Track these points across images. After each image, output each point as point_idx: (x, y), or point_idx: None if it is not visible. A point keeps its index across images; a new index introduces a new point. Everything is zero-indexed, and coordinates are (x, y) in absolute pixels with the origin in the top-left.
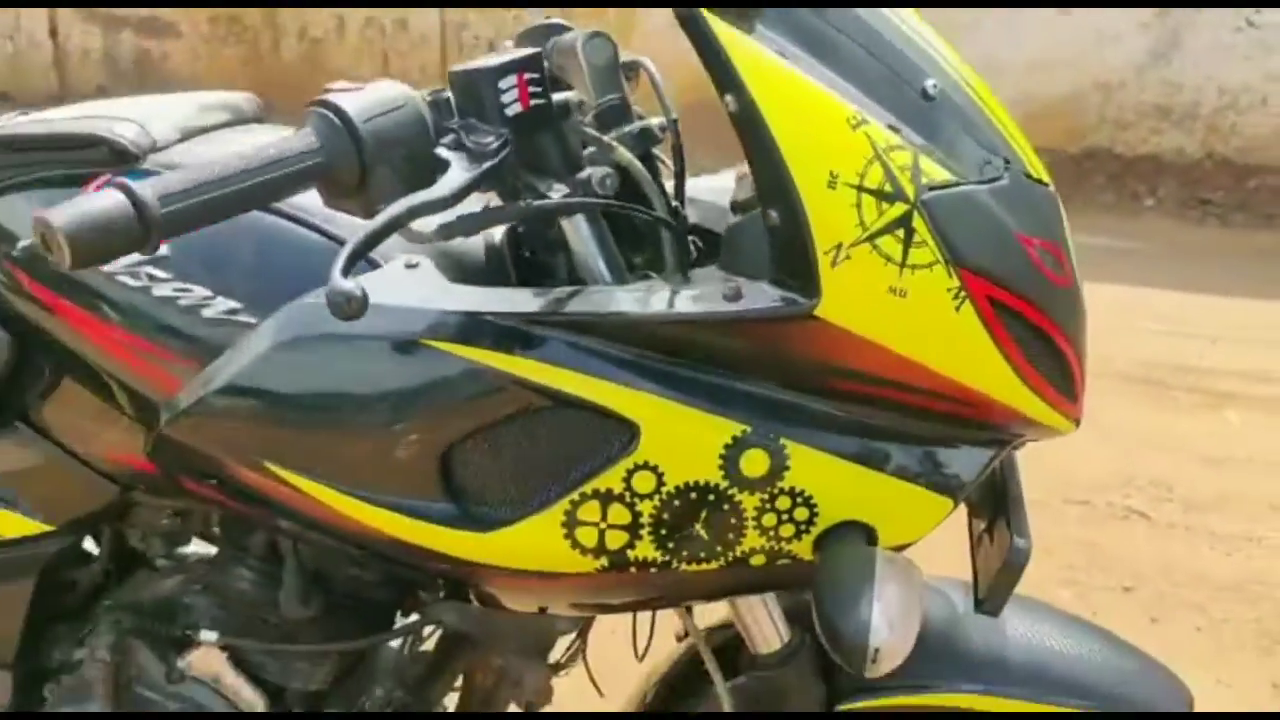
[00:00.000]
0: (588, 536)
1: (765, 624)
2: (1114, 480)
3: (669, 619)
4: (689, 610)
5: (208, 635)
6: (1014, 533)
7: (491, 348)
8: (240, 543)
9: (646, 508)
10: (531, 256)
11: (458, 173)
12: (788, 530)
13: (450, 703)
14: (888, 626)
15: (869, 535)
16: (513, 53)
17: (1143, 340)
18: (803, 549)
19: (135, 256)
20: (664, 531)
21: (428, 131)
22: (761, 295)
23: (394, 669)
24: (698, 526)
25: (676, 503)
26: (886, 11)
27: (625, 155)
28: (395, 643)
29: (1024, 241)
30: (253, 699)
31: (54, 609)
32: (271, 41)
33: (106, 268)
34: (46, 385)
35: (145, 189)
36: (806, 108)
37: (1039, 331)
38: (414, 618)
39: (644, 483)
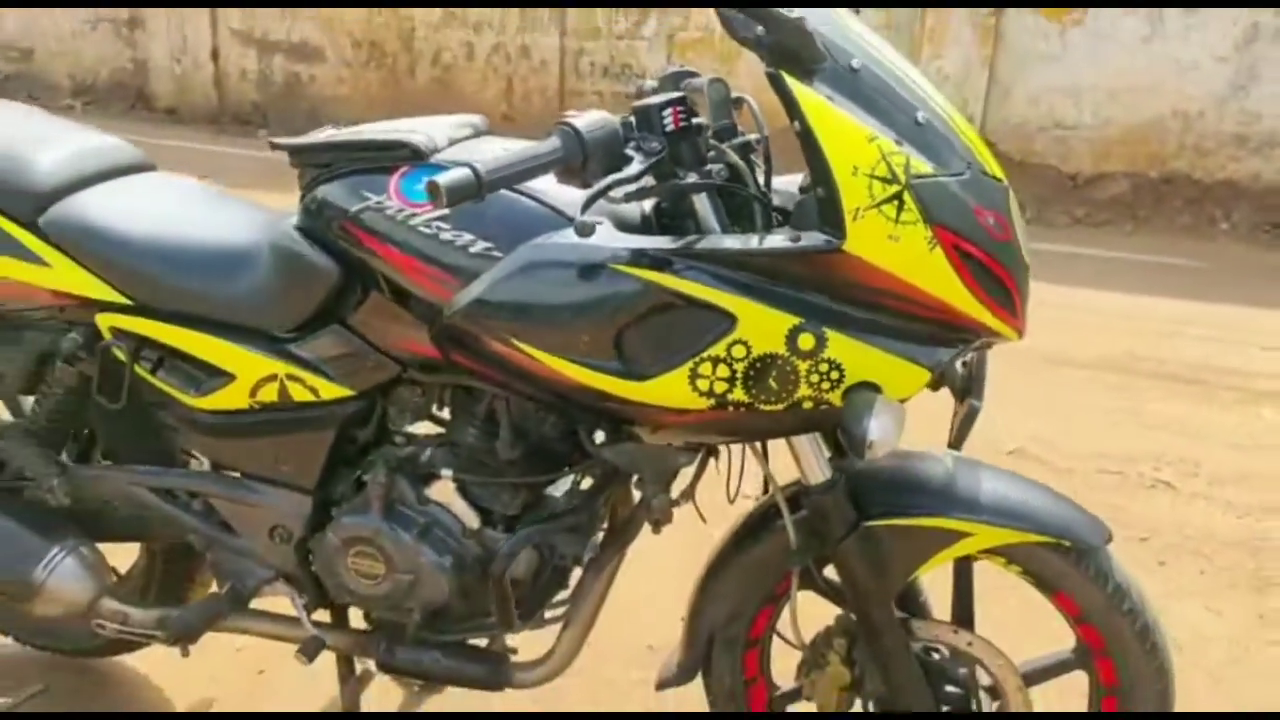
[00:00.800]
0: (703, 385)
1: (815, 461)
2: (1147, 457)
3: (752, 483)
4: (766, 460)
5: (445, 472)
6: (973, 399)
7: (648, 269)
8: (469, 409)
9: (740, 368)
10: (669, 220)
11: (636, 165)
12: (826, 385)
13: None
14: (879, 430)
15: (877, 390)
16: (668, 94)
17: (1196, 346)
18: (835, 397)
19: (433, 214)
20: (750, 383)
21: (620, 140)
22: (813, 238)
23: (564, 501)
24: (770, 380)
25: (758, 365)
26: (899, 71)
27: (733, 156)
28: (566, 485)
29: (977, 212)
30: (470, 517)
31: (344, 455)
32: (408, 66)
33: (410, 222)
34: (357, 299)
35: (479, 167)
36: (841, 129)
37: (986, 268)
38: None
39: (738, 351)
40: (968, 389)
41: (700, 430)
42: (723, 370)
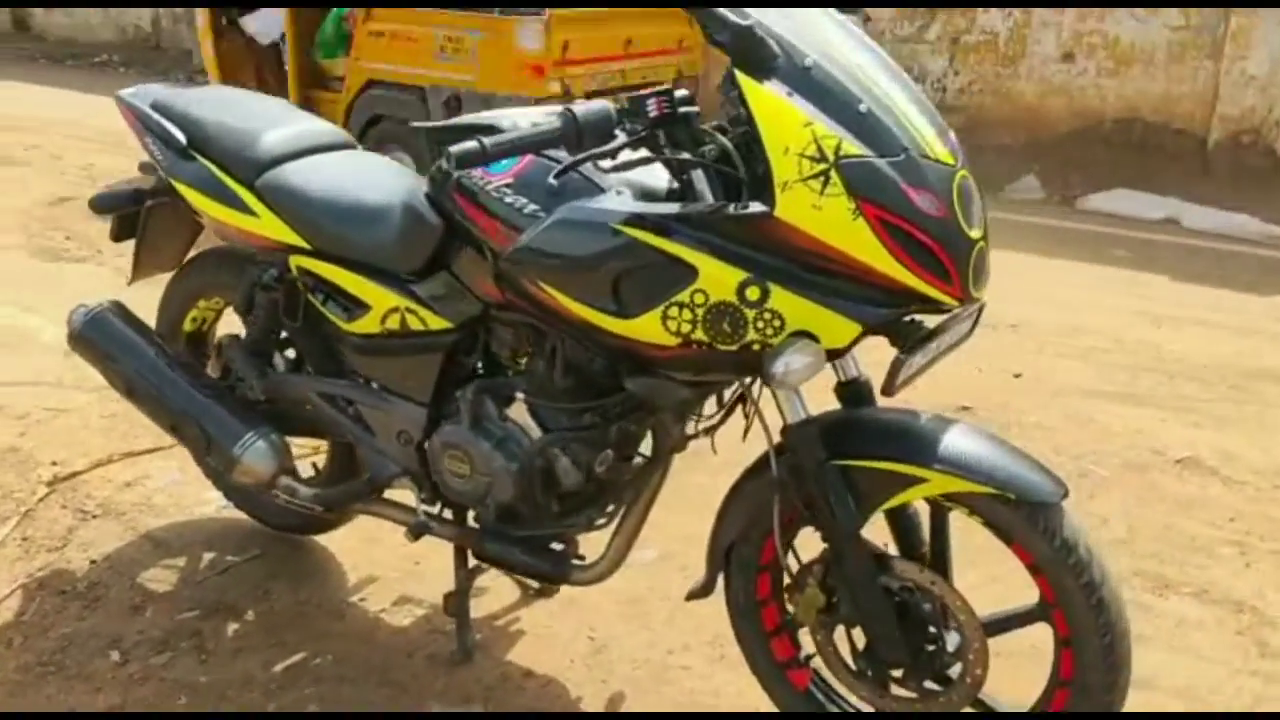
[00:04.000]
0: (672, 325)
1: (791, 403)
2: None
3: (755, 447)
4: (763, 420)
5: (519, 395)
6: (905, 352)
7: (636, 228)
8: (539, 345)
9: (700, 313)
10: (680, 194)
11: (616, 142)
12: (770, 331)
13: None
14: (782, 366)
15: (813, 339)
16: (659, 89)
17: None
18: (778, 341)
19: (502, 181)
20: (708, 326)
21: (612, 124)
22: (754, 206)
23: (585, 419)
24: (725, 324)
25: (714, 311)
26: (854, 68)
27: (722, 140)
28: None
29: (905, 189)
30: (535, 432)
31: (455, 378)
32: None
33: (487, 188)
34: (456, 249)
35: (486, 141)
36: (778, 116)
37: (915, 239)
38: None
39: (699, 298)
40: (914, 346)
41: (679, 365)
42: (687, 314)
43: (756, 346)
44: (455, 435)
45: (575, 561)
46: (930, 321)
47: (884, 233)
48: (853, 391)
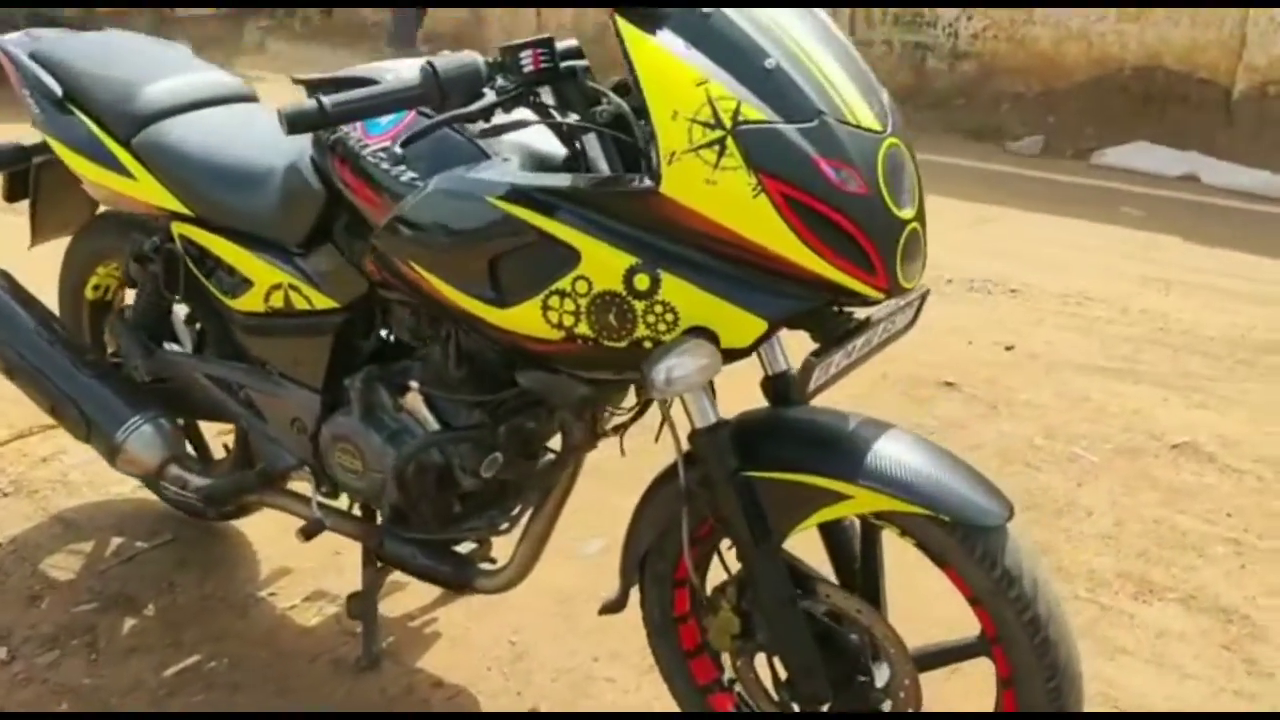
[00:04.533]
0: (554, 317)
1: (699, 405)
2: None
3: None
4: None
5: (415, 384)
6: (819, 353)
7: (512, 203)
8: (435, 330)
9: (583, 303)
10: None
11: (481, 103)
12: (662, 326)
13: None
14: (665, 372)
15: (713, 337)
16: (535, 39)
17: None
18: (671, 337)
19: (379, 145)
20: (593, 319)
21: (481, 80)
22: (640, 181)
23: (466, 418)
24: (611, 317)
25: (599, 301)
26: (766, 18)
27: (618, 102)
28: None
29: (818, 161)
30: (432, 425)
31: (349, 363)
32: None
33: (362, 151)
34: (340, 220)
35: (325, 99)
36: (666, 73)
37: (828, 220)
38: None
39: (581, 287)
40: (831, 345)
41: (567, 361)
42: (569, 304)
43: (648, 344)
44: (345, 426)
45: (484, 566)
46: (863, 312)
47: (791, 213)
48: (779, 388)
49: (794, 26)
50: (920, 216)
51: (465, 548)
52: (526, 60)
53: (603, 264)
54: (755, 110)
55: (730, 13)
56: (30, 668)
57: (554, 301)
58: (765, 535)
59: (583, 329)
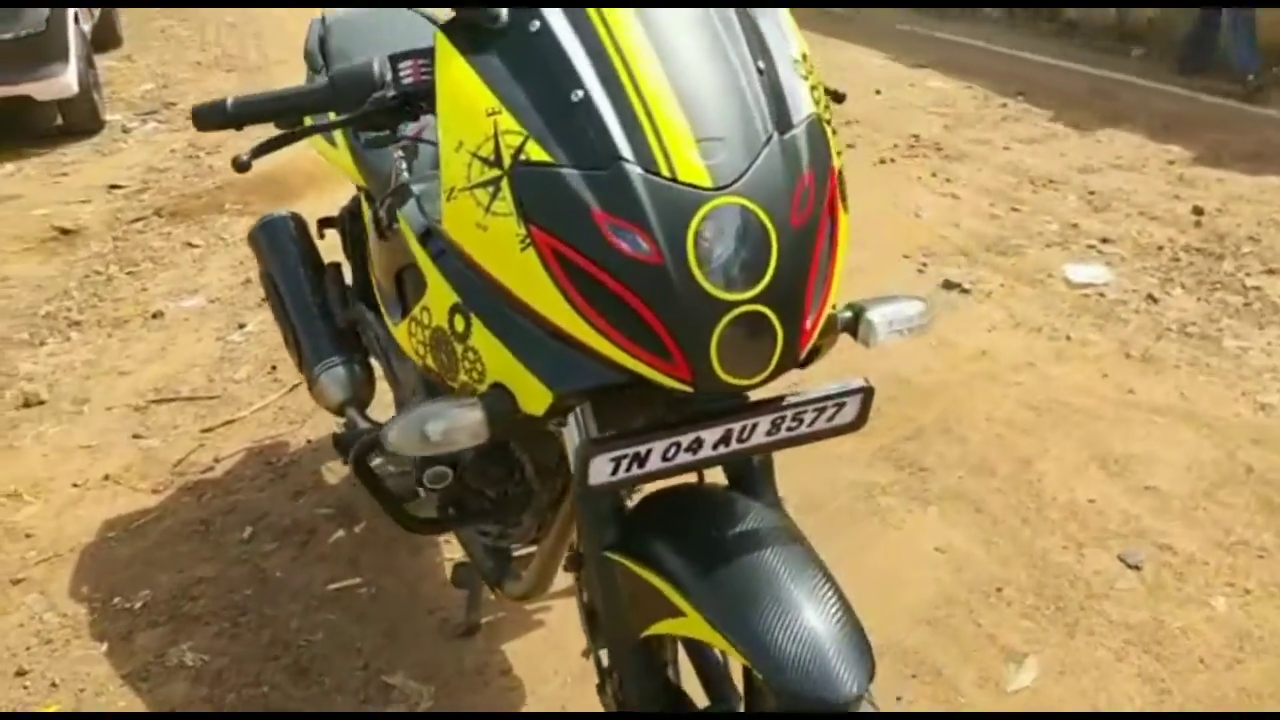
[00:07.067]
0: (414, 343)
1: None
2: None
3: None
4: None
5: None
6: (595, 444)
7: (403, 219)
8: None
9: (427, 335)
10: None
11: (357, 111)
12: (475, 374)
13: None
14: (392, 434)
15: (513, 398)
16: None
17: None
18: (481, 390)
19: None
20: (433, 351)
21: (370, 86)
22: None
23: None
24: (443, 354)
25: (436, 335)
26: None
27: None
28: None
29: (598, 218)
30: None
31: None
32: None
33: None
34: None
35: (228, 101)
36: (460, 96)
37: (609, 291)
38: None
39: (425, 317)
40: (634, 433)
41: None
42: (419, 333)
43: (473, 391)
44: None
45: (516, 570)
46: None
47: (563, 274)
48: None
49: (649, 44)
50: (774, 297)
51: (523, 550)
52: (406, 71)
53: (438, 297)
54: (541, 150)
55: (561, 27)
56: (254, 552)
57: (413, 327)
58: (623, 626)
59: (429, 361)
